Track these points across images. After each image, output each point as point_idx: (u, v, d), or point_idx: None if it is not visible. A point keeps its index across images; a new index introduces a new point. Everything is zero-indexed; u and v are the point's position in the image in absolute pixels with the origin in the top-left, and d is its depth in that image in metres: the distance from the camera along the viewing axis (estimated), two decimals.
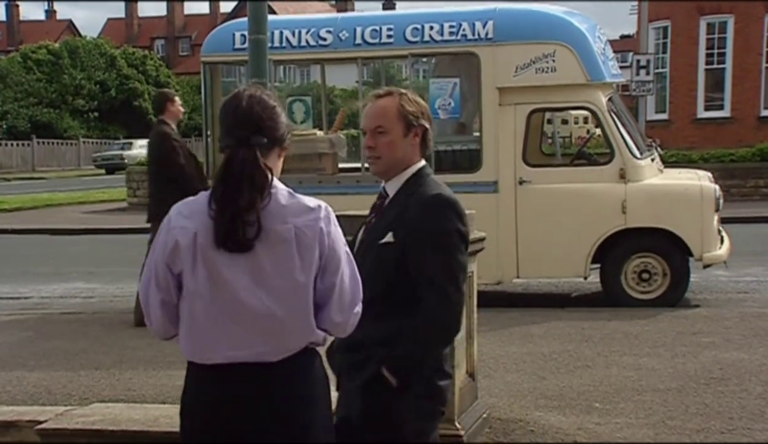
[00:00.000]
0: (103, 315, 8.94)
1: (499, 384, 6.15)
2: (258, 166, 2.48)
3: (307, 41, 9.15)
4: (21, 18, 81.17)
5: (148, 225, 8.03)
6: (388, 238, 3.00)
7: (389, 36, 8.99)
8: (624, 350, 6.87)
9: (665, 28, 26.15)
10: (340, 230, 2.56)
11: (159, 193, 7.98)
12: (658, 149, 9.35)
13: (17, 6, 79.69)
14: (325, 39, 9.10)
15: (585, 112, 22.42)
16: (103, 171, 41.07)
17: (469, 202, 8.59)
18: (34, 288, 10.92)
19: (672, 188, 8.72)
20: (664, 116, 25.56)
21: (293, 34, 9.13)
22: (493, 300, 8.45)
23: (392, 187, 3.07)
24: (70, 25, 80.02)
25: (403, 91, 3.14)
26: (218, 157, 7.34)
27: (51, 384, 6.38)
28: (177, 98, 8.54)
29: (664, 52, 26.00)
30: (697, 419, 5.22)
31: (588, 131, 25.87)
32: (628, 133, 8.83)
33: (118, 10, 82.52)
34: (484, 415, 5.33)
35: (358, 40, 9.04)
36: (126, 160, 36.11)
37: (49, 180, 36.97)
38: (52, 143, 47.28)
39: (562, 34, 8.66)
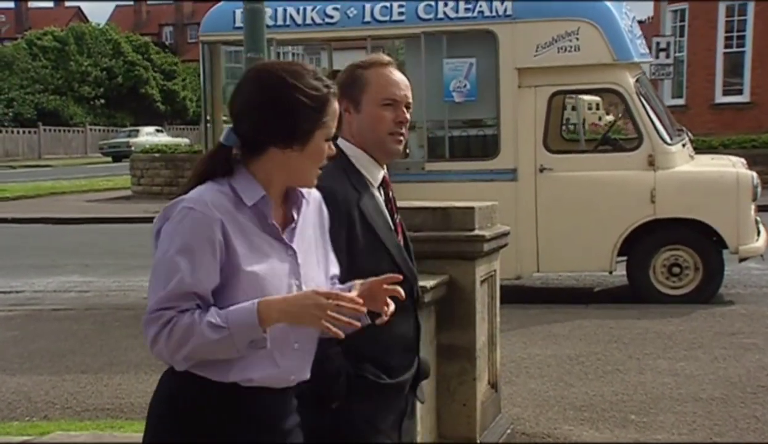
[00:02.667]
0: (96, 311, 8.39)
1: (522, 391, 5.60)
2: None
3: (312, 19, 8.57)
4: (29, 6, 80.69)
5: None
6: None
7: (401, 13, 8.40)
8: (658, 353, 6.30)
9: (682, 11, 25.50)
10: (169, 228, 2.06)
11: None
12: (689, 134, 8.73)
13: None
14: (331, 16, 8.52)
15: (597, 98, 21.88)
16: (109, 159, 40.56)
17: (486, 191, 8.05)
18: (27, 281, 10.40)
19: (705, 176, 8.12)
20: (680, 101, 24.87)
21: (297, 12, 8.55)
22: (511, 295, 7.87)
23: (380, 174, 2.72)
24: (79, 12, 79.51)
25: None
26: None
27: (32, 390, 5.86)
28: None
29: (681, 35, 25.33)
30: (750, 436, 4.66)
31: (600, 118, 25.16)
32: (657, 116, 8.23)
33: None
34: (509, 431, 4.78)
35: (368, 18, 8.46)
36: (133, 148, 35.57)
37: (55, 168, 36.52)
38: (59, 131, 46.85)
39: (587, 10, 8.06)
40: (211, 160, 2.13)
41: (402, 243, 2.75)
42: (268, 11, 8.51)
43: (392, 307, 2.19)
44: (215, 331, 1.97)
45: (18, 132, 44.91)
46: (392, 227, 2.70)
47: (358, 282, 2.18)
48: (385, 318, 2.19)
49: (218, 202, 2.05)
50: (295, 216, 2.18)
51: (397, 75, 2.65)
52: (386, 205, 2.74)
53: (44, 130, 45.52)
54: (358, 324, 2.11)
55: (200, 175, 2.11)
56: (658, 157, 7.93)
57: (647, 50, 9.07)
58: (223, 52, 9.02)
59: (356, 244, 2.51)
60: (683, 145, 8.31)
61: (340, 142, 2.65)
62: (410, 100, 2.65)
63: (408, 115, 2.65)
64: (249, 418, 2.11)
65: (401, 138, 2.65)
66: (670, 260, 8.01)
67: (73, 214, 18.14)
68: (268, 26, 8.49)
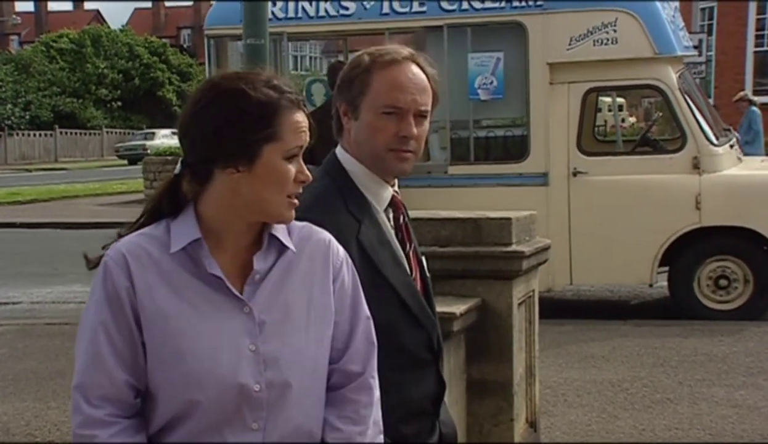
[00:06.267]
0: None
1: (561, 424, 4.96)
2: None
3: (326, 11, 7.95)
4: (49, 9, 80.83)
5: None
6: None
7: (422, 3, 7.77)
8: (712, 379, 5.62)
9: (711, 9, 24.85)
10: (94, 282, 1.78)
11: None
12: (737, 134, 8.03)
13: None
14: (347, 8, 7.90)
15: (620, 100, 21.16)
16: (125, 161, 40.23)
17: (514, 197, 7.35)
18: (26, 291, 9.84)
19: (756, 180, 7.44)
20: (709, 101, 24.17)
21: (310, 3, 7.93)
22: (539, 309, 7.21)
23: (387, 193, 2.16)
24: (98, 16, 79.58)
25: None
26: None
27: (12, 419, 5.26)
28: None
29: (709, 34, 24.62)
30: None
31: (623, 120, 24.45)
32: (702, 115, 7.54)
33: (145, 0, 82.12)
34: None
35: (386, 9, 7.84)
36: (149, 150, 35.26)
37: (70, 170, 36.21)
38: (75, 133, 46.66)
39: None
40: (159, 196, 1.76)
41: (418, 280, 2.14)
42: (279, 3, 7.93)
43: None
44: None
45: (34, 135, 44.75)
46: (403, 261, 2.10)
47: None
48: None
49: (139, 251, 1.69)
50: (262, 264, 1.74)
51: (408, 75, 2.07)
52: (397, 234, 2.13)
53: (60, 132, 45.35)
54: None
55: (149, 213, 1.77)
56: (704, 160, 7.25)
57: (690, 43, 8.37)
58: (230, 46, 8.41)
59: None
60: (731, 147, 7.62)
61: (340, 154, 2.10)
62: (424, 107, 2.08)
63: (415, 130, 2.05)
64: None
65: (406, 155, 2.06)
66: (716, 272, 7.34)
67: (83, 218, 17.68)
68: (278, 18, 7.94)
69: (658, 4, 7.43)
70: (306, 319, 1.75)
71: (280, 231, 1.77)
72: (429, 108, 2.09)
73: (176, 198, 1.75)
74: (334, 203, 2.03)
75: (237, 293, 1.71)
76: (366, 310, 1.85)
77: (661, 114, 8.85)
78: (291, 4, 7.93)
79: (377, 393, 1.82)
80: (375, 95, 2.04)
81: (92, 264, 1.77)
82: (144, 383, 1.70)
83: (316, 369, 1.75)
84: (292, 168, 1.71)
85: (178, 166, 1.75)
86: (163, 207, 1.75)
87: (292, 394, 1.70)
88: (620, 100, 21.80)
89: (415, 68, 2.08)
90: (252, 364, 1.68)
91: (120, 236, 1.77)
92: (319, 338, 1.75)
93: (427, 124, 2.10)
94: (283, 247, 1.76)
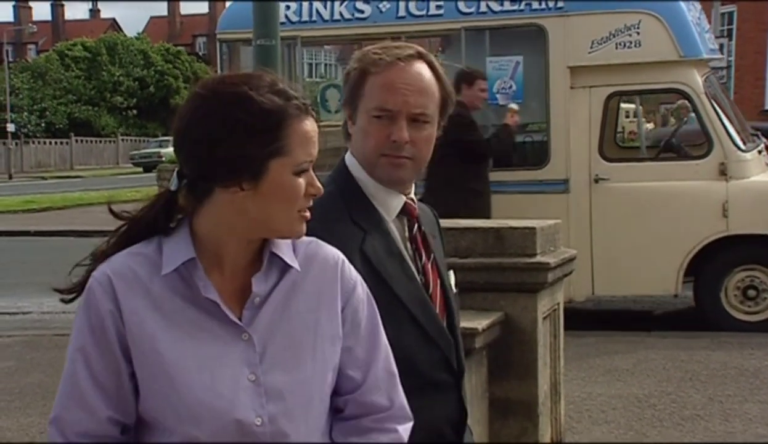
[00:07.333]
0: None
1: (586, 441, 4.72)
2: None
3: (341, 14, 7.76)
4: (65, 18, 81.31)
5: None
6: (452, 281, 2.08)
7: (439, 6, 7.57)
8: (744, 394, 5.38)
9: (731, 14, 24.62)
10: (80, 308, 1.60)
11: None
12: (765, 140, 7.78)
13: (62, 6, 79.85)
14: (362, 11, 7.71)
15: (632, 106, 20.91)
16: (140, 169, 40.33)
17: (534, 205, 7.13)
18: (37, 301, 9.70)
19: None
20: None
21: (324, 6, 7.75)
22: None
23: (398, 201, 1.99)
24: (114, 24, 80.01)
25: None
26: None
27: (16, 435, 5.10)
28: (481, 81, 6.75)
29: (729, 38, 24.36)
30: None
31: (638, 126, 24.17)
32: (729, 119, 7.30)
33: (161, 9, 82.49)
34: None
35: (402, 13, 7.64)
36: (163, 158, 35.39)
37: (85, 178, 36.27)
38: (91, 141, 46.88)
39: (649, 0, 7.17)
40: (149, 212, 1.57)
41: (438, 295, 1.95)
42: (293, 5, 7.76)
43: None
44: None
45: (50, 142, 44.95)
46: (417, 274, 1.92)
47: None
48: None
49: (126, 272, 1.52)
50: (262, 286, 1.55)
51: (402, 75, 1.89)
52: (411, 244, 1.95)
53: (76, 140, 45.52)
54: None
55: (141, 229, 1.58)
56: (731, 166, 7.01)
57: (716, 46, 8.13)
58: (242, 51, 8.24)
59: None
60: (759, 153, 7.37)
61: (348, 160, 1.94)
62: (419, 110, 1.89)
63: (406, 134, 1.87)
64: None
65: (400, 161, 1.88)
66: (744, 282, 7.09)
67: (98, 226, 17.59)
68: (292, 22, 7.77)
69: (683, 4, 7.21)
70: (312, 346, 1.57)
71: (283, 248, 1.58)
72: (428, 111, 1.90)
73: (171, 213, 1.56)
74: (337, 212, 1.86)
75: (234, 319, 1.53)
76: (384, 336, 1.66)
77: (686, 119, 8.60)
78: (305, 8, 7.75)
79: (409, 425, 1.65)
80: (368, 97, 1.90)
81: (69, 292, 1.59)
82: (132, 417, 1.54)
83: (323, 400, 1.58)
84: (302, 182, 1.53)
85: (174, 179, 1.56)
86: (157, 224, 1.56)
87: (298, 428, 1.53)
88: (632, 106, 21.49)
89: (417, 68, 1.90)
90: (252, 397, 1.50)
91: (95, 256, 1.58)
92: (326, 367, 1.57)
93: (429, 128, 1.91)
94: (286, 266, 1.58)
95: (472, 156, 6.63)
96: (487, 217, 6.44)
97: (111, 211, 1.61)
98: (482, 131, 6.90)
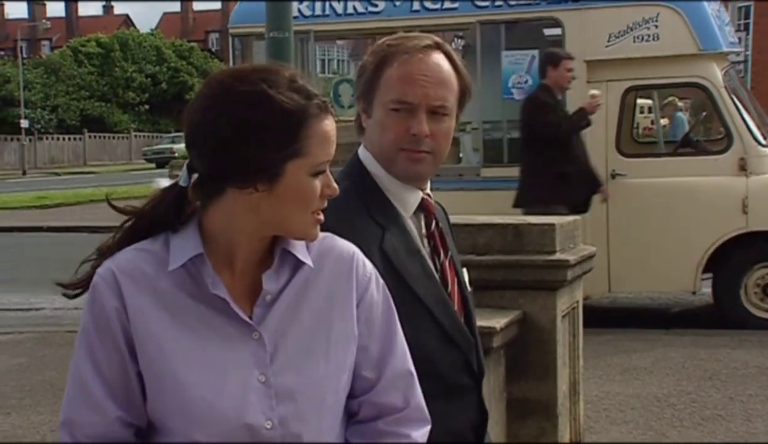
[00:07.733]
0: None
1: (604, 441, 4.64)
2: None
3: (355, 8, 7.69)
4: (79, 14, 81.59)
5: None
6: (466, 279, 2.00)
7: (453, 0, 7.48)
8: (766, 394, 5.29)
9: (747, 8, 24.42)
10: (85, 304, 1.54)
11: None
12: None
13: (76, 2, 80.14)
14: (376, 5, 7.63)
15: (648, 101, 20.67)
16: (153, 165, 40.42)
17: None
18: (49, 297, 9.66)
19: None
20: None
21: (338, 0, 7.67)
22: None
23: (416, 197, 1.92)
24: (127, 20, 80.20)
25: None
26: None
27: (27, 434, 5.05)
28: (567, 61, 6.58)
29: (747, 33, 24.17)
30: None
31: (652, 122, 23.94)
32: (749, 114, 7.18)
33: (174, 5, 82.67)
34: None
35: (416, 7, 7.57)
36: (176, 154, 35.45)
37: (98, 174, 36.36)
38: (104, 137, 47.03)
39: None
40: (157, 206, 1.51)
41: (456, 294, 1.89)
42: (306, 0, 7.69)
43: None
44: None
45: (64, 139, 45.10)
46: (435, 272, 1.85)
47: None
48: None
49: (132, 269, 1.46)
50: (273, 284, 1.48)
51: (421, 66, 1.82)
52: (428, 241, 1.88)
53: (89, 136, 45.65)
54: None
55: (147, 225, 1.52)
56: (751, 161, 6.90)
57: (736, 39, 8.01)
58: (255, 45, 8.18)
59: None
60: None
61: (362, 154, 1.87)
62: (439, 102, 1.82)
63: (426, 127, 1.81)
64: None
65: (419, 156, 1.81)
66: (765, 279, 6.99)
67: (109, 222, 17.54)
68: (305, 16, 7.69)
69: None
70: (326, 345, 1.50)
71: (296, 244, 1.51)
72: (448, 103, 1.83)
73: (181, 209, 1.49)
74: (354, 208, 1.79)
75: (244, 317, 1.46)
76: (401, 334, 1.59)
77: (705, 113, 8.48)
78: (318, 2, 7.68)
79: (426, 428, 1.58)
80: (384, 90, 1.83)
81: (73, 288, 1.52)
82: (143, 419, 1.47)
83: (337, 402, 1.51)
84: (318, 183, 1.46)
85: (184, 174, 1.49)
86: (167, 219, 1.49)
87: (309, 431, 1.46)
88: (649, 101, 21.25)
89: (435, 58, 1.84)
90: (262, 398, 1.43)
91: (100, 252, 1.51)
92: (340, 367, 1.50)
93: (449, 121, 1.85)
94: (298, 263, 1.51)
95: (545, 139, 6.43)
96: (577, 202, 6.24)
97: (111, 205, 1.55)
98: (560, 113, 6.60)
